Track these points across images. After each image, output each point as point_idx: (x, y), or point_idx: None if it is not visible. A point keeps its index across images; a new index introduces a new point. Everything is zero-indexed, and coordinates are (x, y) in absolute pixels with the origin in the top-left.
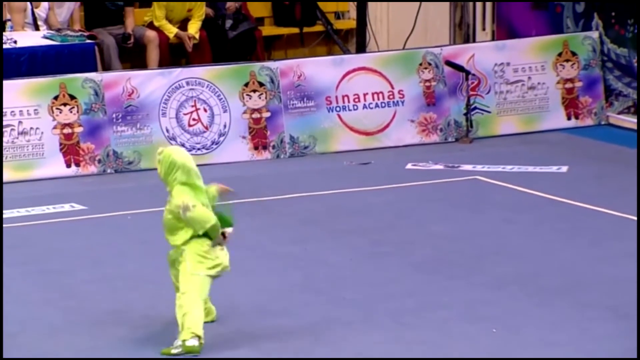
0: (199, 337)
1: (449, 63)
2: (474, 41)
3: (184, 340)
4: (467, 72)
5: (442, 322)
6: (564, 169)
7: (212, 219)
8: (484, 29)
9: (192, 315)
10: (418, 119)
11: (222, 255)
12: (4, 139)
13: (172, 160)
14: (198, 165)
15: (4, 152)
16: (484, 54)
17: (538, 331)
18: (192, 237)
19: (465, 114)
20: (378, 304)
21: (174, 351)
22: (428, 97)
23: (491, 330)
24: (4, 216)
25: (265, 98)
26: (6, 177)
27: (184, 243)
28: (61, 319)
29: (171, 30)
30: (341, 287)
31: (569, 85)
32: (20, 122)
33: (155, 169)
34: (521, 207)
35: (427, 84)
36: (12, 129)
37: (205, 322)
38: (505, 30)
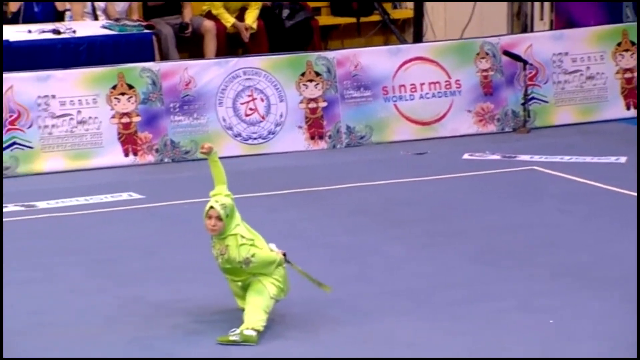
0: (257, 331)
1: (506, 53)
2: (531, 31)
3: (242, 330)
4: (525, 62)
5: (496, 313)
6: (623, 159)
7: (274, 257)
8: (542, 19)
9: (255, 317)
10: (475, 109)
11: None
12: (63, 128)
13: (232, 205)
14: (254, 155)
15: (63, 141)
16: (542, 43)
17: (592, 323)
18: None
19: (523, 104)
20: (432, 295)
21: (231, 338)
22: (485, 87)
23: (544, 322)
24: (62, 204)
25: (322, 88)
26: (65, 166)
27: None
28: (117, 309)
29: (228, 20)
30: (395, 277)
31: (628, 75)
32: (79, 112)
33: None
34: (578, 198)
35: (485, 73)
36: (70, 118)
37: None
38: (564, 19)
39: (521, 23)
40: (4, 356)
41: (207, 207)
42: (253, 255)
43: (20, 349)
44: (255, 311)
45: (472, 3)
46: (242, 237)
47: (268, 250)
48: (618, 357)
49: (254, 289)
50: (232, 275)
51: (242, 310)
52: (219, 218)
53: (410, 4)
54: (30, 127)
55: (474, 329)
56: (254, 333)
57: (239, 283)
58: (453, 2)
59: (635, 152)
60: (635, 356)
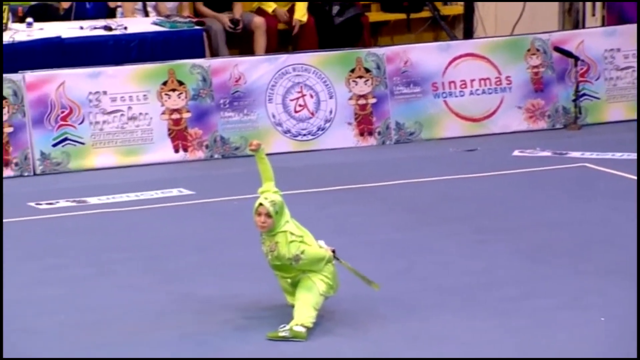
0: (306, 327)
1: (557, 49)
2: (583, 27)
3: (291, 326)
4: (577, 58)
5: (547, 310)
6: None
7: (323, 254)
8: (593, 15)
9: (304, 314)
10: (525, 106)
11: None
12: (114, 124)
13: (281, 202)
14: (303, 152)
15: (113, 137)
16: (593, 40)
17: None
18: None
19: (574, 101)
20: (482, 292)
21: (281, 334)
22: (536, 84)
23: (595, 319)
24: (113, 200)
25: (371, 84)
26: (115, 161)
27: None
28: (167, 304)
29: (270, 5)
30: (444, 274)
31: None
32: (129, 108)
33: None
34: (629, 195)
35: (535, 70)
36: (121, 114)
37: None
38: (616, 16)
39: (572, 19)
40: (4, 356)
41: (257, 204)
42: (302, 252)
43: (72, 343)
44: (305, 308)
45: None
46: (292, 234)
47: (317, 247)
48: (620, 357)
49: (303, 285)
50: (281, 272)
51: (292, 306)
52: (268, 215)
53: (461, 1)
54: (81, 123)
55: (524, 327)
56: (303, 329)
57: (289, 280)
58: None
59: None
60: (635, 356)
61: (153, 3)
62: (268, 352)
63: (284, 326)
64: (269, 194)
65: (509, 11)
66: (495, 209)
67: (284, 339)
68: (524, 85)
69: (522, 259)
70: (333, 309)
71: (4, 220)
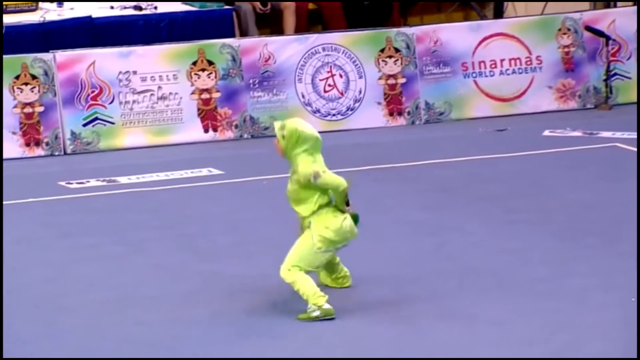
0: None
1: (589, 28)
2: (614, 6)
3: (320, 306)
4: (608, 38)
5: (578, 290)
6: None
7: (343, 182)
8: None
9: (304, 287)
10: (556, 85)
11: (345, 227)
12: (144, 104)
13: (299, 133)
14: (333, 132)
15: (143, 117)
16: (625, 19)
17: None
18: (319, 209)
19: (605, 80)
20: (512, 272)
21: (313, 314)
22: (566, 63)
23: (626, 300)
24: (143, 179)
25: (401, 64)
26: (145, 141)
27: (311, 214)
28: (198, 284)
29: None
30: (475, 254)
31: None
32: (159, 87)
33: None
34: None
35: (566, 49)
36: (151, 94)
37: (341, 288)
38: None
39: None
40: (4, 356)
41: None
42: (324, 172)
43: (105, 321)
44: (299, 283)
45: None
46: (312, 157)
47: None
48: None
49: (301, 240)
50: (299, 207)
51: (325, 286)
52: (278, 140)
53: None
54: (111, 102)
55: (555, 307)
56: (330, 306)
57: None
58: None
59: None
60: (635, 356)
61: None
62: (300, 333)
63: (312, 307)
64: (285, 121)
65: None
66: (525, 189)
67: (317, 319)
68: (555, 65)
69: (553, 239)
70: (364, 290)
71: (35, 199)
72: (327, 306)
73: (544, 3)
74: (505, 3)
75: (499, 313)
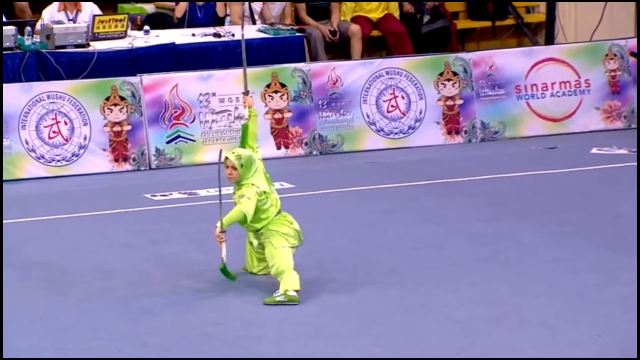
0: (297, 291)
1: (633, 54)
2: None
3: (285, 290)
4: None
5: (623, 297)
6: None
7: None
8: None
9: (287, 276)
10: (603, 107)
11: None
12: (222, 123)
13: (252, 161)
14: (395, 149)
15: (221, 135)
16: None
17: None
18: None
19: None
20: (563, 278)
21: (277, 299)
22: (613, 86)
23: None
24: (221, 192)
25: (459, 87)
26: (223, 157)
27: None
28: (270, 289)
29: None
30: (527, 262)
31: None
32: (236, 108)
33: None
34: None
35: (612, 73)
36: (229, 114)
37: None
38: None
39: None
40: (4, 356)
41: (224, 158)
42: (249, 198)
43: (185, 322)
44: (284, 274)
45: (601, 7)
46: (257, 187)
47: (252, 205)
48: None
49: (266, 246)
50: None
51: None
52: (234, 167)
53: (543, 9)
54: (192, 122)
55: (602, 312)
56: (295, 294)
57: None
58: (584, 7)
59: None
60: (635, 356)
61: (259, 11)
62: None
63: (279, 292)
64: (238, 149)
65: (589, 19)
66: (574, 202)
67: (280, 303)
68: (602, 88)
69: (600, 249)
70: (420, 290)
71: (123, 210)
72: (292, 293)
73: (592, 30)
74: (556, 30)
75: (549, 316)
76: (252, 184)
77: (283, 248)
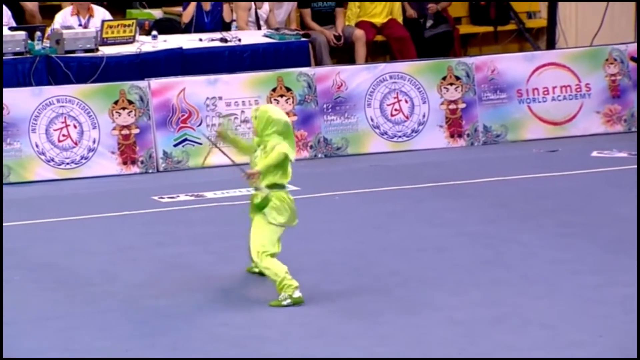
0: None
1: (634, 59)
2: None
3: (290, 295)
4: None
5: (624, 298)
6: None
7: (284, 154)
8: None
9: (274, 268)
10: (603, 110)
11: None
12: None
13: (269, 116)
14: (399, 152)
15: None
16: None
17: None
18: (277, 187)
19: None
20: (565, 279)
21: (284, 303)
22: (613, 90)
23: None
24: (227, 194)
25: (461, 91)
26: (229, 160)
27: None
28: (275, 291)
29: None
30: (529, 263)
31: None
32: (242, 111)
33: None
34: None
35: (613, 78)
36: (235, 117)
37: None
38: None
39: None
40: (4, 356)
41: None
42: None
43: (193, 323)
44: (269, 265)
45: (602, 12)
46: (283, 137)
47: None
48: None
49: (255, 223)
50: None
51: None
52: (255, 119)
53: (544, 14)
54: (199, 125)
55: (603, 313)
56: (300, 294)
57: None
58: (584, 12)
59: None
60: (635, 356)
61: (265, 16)
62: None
63: (284, 295)
64: (260, 105)
65: (589, 24)
66: (575, 204)
67: (287, 306)
68: (602, 92)
69: (601, 251)
70: (420, 292)
71: (131, 212)
72: (297, 294)
73: (592, 35)
74: (557, 35)
75: (551, 317)
76: (278, 137)
77: (274, 226)
